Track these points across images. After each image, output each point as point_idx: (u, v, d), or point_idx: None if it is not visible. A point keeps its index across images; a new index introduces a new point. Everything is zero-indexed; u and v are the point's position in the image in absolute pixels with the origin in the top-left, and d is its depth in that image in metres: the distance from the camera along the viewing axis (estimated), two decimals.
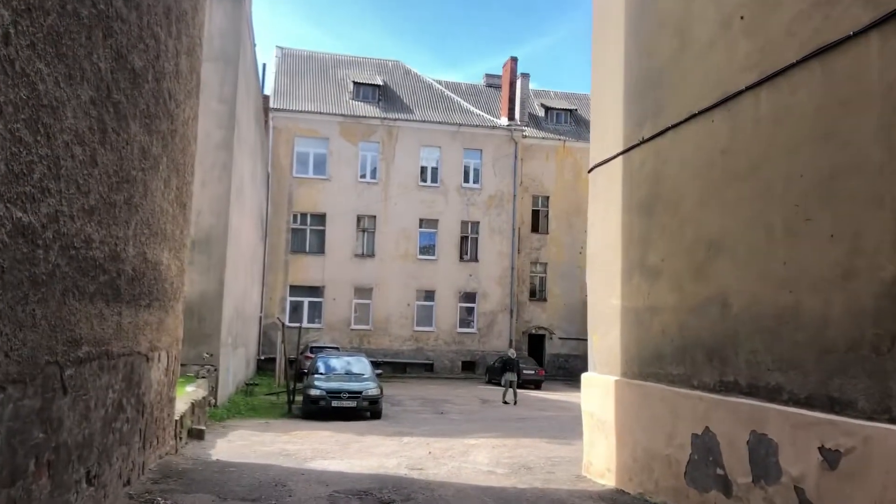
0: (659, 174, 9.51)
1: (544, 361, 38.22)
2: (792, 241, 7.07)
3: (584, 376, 11.43)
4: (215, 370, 17.82)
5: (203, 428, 14.05)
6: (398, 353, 36.67)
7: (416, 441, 15.05)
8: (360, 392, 19.12)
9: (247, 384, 24.44)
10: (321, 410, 18.84)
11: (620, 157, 10.45)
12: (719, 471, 7.89)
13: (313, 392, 19.06)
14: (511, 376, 25.85)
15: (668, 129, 9.25)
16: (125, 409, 7.62)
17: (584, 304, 39.76)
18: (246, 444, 13.80)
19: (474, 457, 13.22)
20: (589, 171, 11.57)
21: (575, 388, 34.82)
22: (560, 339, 39.38)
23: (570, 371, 38.88)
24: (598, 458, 10.64)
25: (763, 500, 7.18)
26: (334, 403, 18.85)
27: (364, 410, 19.18)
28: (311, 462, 12.07)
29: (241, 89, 19.80)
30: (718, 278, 8.15)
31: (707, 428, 8.14)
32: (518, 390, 30.27)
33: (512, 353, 27.32)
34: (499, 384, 32.83)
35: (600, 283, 11.00)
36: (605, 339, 10.72)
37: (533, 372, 32.75)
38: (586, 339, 37.51)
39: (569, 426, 18.89)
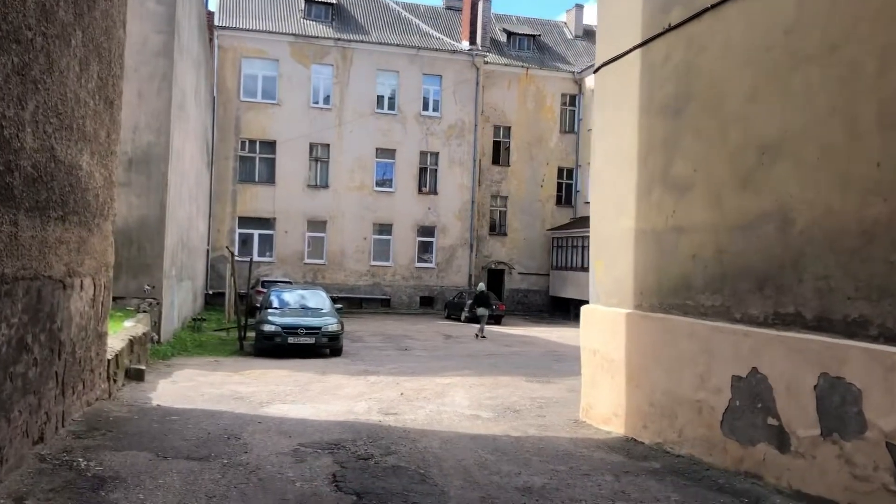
0: (691, 67, 7.86)
1: (503, 296, 36.97)
2: (890, 136, 5.54)
3: (584, 309, 9.94)
4: (158, 304, 15.96)
5: (143, 368, 12.26)
6: (354, 289, 35.01)
7: (384, 381, 13.52)
8: (319, 328, 17.47)
9: (194, 319, 22.58)
10: (276, 348, 17.19)
11: (638, 51, 8.77)
12: (771, 420, 6.48)
13: (267, 328, 17.35)
14: (484, 310, 24.53)
15: (706, 9, 7.58)
16: (30, 348, 5.84)
17: (544, 239, 38.89)
18: (192, 386, 12.09)
19: (452, 398, 11.75)
20: (595, 71, 9.86)
21: (535, 323, 33.99)
22: (520, 274, 38.12)
23: (528, 306, 37.83)
24: (602, 402, 9.23)
25: (836, 458, 5.80)
26: (291, 340, 17.18)
27: (323, 347, 17.57)
28: (269, 407, 10.45)
29: None
30: (775, 189, 6.62)
31: (755, 369, 6.70)
32: (473, 324, 29.04)
33: (482, 287, 25.89)
34: (458, 319, 31.61)
35: (607, 202, 9.42)
36: (613, 268, 9.20)
37: (493, 307, 31.40)
38: (546, 274, 36.62)
39: (542, 362, 17.61)
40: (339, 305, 19.67)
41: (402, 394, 12.01)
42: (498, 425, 9.54)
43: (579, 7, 42.26)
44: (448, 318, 32.91)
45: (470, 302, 28.56)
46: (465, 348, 20.61)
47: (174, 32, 16.49)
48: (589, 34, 42.44)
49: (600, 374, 9.26)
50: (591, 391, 9.52)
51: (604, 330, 9.23)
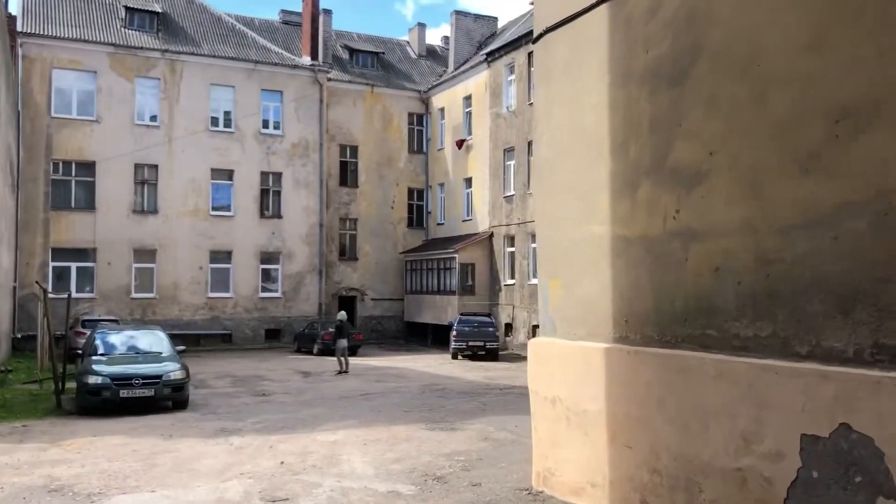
0: (697, 15, 5.77)
1: (356, 324, 34.16)
2: None
3: (534, 343, 7.60)
4: None
5: None
6: (190, 324, 30.94)
7: (252, 443, 10.56)
8: (160, 376, 14.06)
9: None
10: (105, 404, 13.64)
11: (605, 6, 6.62)
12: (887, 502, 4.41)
13: (92, 380, 13.73)
14: (343, 342, 21.73)
15: None
16: None
17: (397, 262, 36.47)
18: None
19: (350, 464, 9.05)
20: (535, 41, 7.62)
21: (392, 351, 31.32)
22: (373, 300, 35.46)
23: (383, 333, 35.22)
24: (569, 467, 6.91)
25: None
26: (123, 394, 13.68)
27: (165, 400, 14.20)
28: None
29: None
30: (865, 169, 4.60)
31: (845, 426, 4.61)
32: (327, 357, 26.20)
33: (343, 316, 22.98)
34: (310, 352, 28.58)
35: (564, 202, 7.17)
36: (577, 287, 6.95)
37: (351, 336, 28.61)
38: (400, 300, 34.29)
39: (426, 400, 15.19)
40: (181, 347, 16.21)
41: (282, 463, 9.17)
42: None
43: (422, 26, 40.54)
44: (298, 351, 29.74)
45: (331, 331, 25.71)
46: (332, 388, 17.76)
47: None
48: (432, 54, 40.88)
49: (565, 430, 6.94)
50: (550, 451, 7.17)
51: (568, 371, 6.93)
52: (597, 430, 6.54)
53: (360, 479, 8.24)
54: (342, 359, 21.47)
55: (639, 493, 6.12)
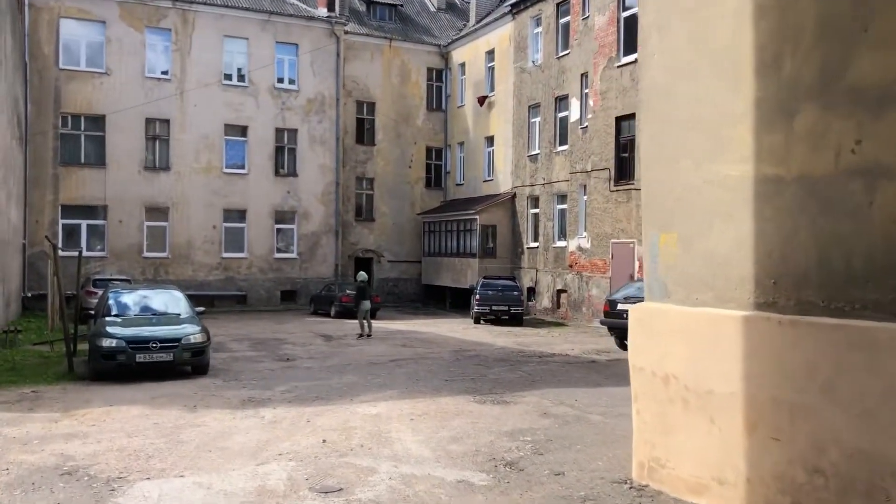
0: None
1: (373, 287, 32.89)
2: None
3: (638, 310, 6.30)
4: None
5: None
6: (204, 285, 29.71)
7: (286, 416, 9.34)
8: (178, 339, 12.82)
9: (6, 331, 17.04)
10: (120, 368, 12.44)
11: None
12: None
13: (107, 343, 12.50)
14: (367, 304, 20.46)
15: None
16: None
17: (414, 223, 34.81)
18: None
19: (403, 444, 7.82)
20: None
21: (411, 315, 29.99)
22: (389, 262, 34.14)
23: (400, 296, 33.94)
24: (686, 458, 5.65)
25: None
26: (139, 358, 12.46)
27: (184, 365, 13.00)
28: (124, 492, 6.12)
29: None
30: None
31: None
32: (345, 320, 25.03)
33: (364, 277, 21.64)
34: (327, 314, 27.40)
35: (681, 138, 5.81)
36: (701, 242, 5.62)
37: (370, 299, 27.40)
38: (418, 262, 32.84)
39: (464, 368, 13.94)
40: (200, 308, 14.97)
41: (324, 441, 7.95)
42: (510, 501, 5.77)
43: None
44: (315, 313, 28.53)
45: (349, 293, 24.50)
46: (359, 353, 16.55)
47: None
48: (452, 7, 39.04)
49: (681, 414, 5.67)
50: (658, 438, 5.90)
51: (687, 343, 5.63)
52: (728, 417, 5.26)
53: (419, 463, 7.01)
54: (365, 322, 20.26)
55: (790, 496, 4.85)
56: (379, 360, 15.04)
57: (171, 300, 14.79)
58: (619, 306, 16.03)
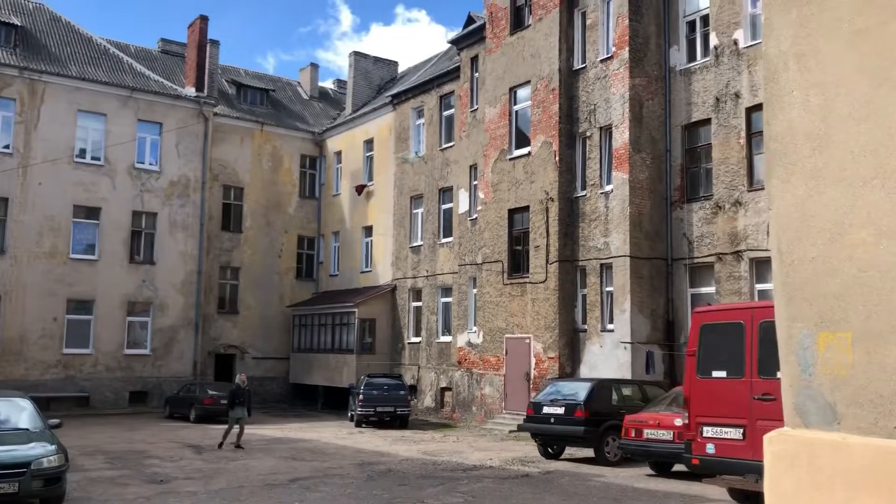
0: None
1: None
2: None
3: (784, 440, 4.59)
4: None
5: None
6: (39, 385, 25.42)
7: None
8: (27, 464, 9.89)
9: None
10: None
11: None
12: None
13: None
14: (241, 412, 17.59)
15: None
16: None
17: (283, 317, 31.75)
18: None
19: None
20: None
21: (280, 417, 26.64)
22: (254, 358, 31.12)
23: (265, 397, 30.65)
24: None
25: None
26: None
27: (33, 497, 10.02)
28: None
29: None
30: None
31: None
32: (208, 425, 21.95)
33: (242, 379, 18.84)
34: (186, 418, 24.08)
35: (848, 200, 4.35)
36: (890, 346, 4.14)
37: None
38: (286, 359, 30.06)
39: (391, 492, 11.67)
40: (54, 420, 11.92)
41: None
42: None
43: (314, 66, 37.39)
44: (171, 417, 25.09)
45: (214, 395, 21.56)
46: (245, 469, 13.89)
47: None
48: (325, 96, 37.83)
49: None
50: None
51: (885, 493, 4.05)
52: None
53: None
54: (234, 431, 17.44)
55: None
56: (277, 481, 12.52)
57: (13, 410, 11.64)
58: (546, 409, 14.49)
